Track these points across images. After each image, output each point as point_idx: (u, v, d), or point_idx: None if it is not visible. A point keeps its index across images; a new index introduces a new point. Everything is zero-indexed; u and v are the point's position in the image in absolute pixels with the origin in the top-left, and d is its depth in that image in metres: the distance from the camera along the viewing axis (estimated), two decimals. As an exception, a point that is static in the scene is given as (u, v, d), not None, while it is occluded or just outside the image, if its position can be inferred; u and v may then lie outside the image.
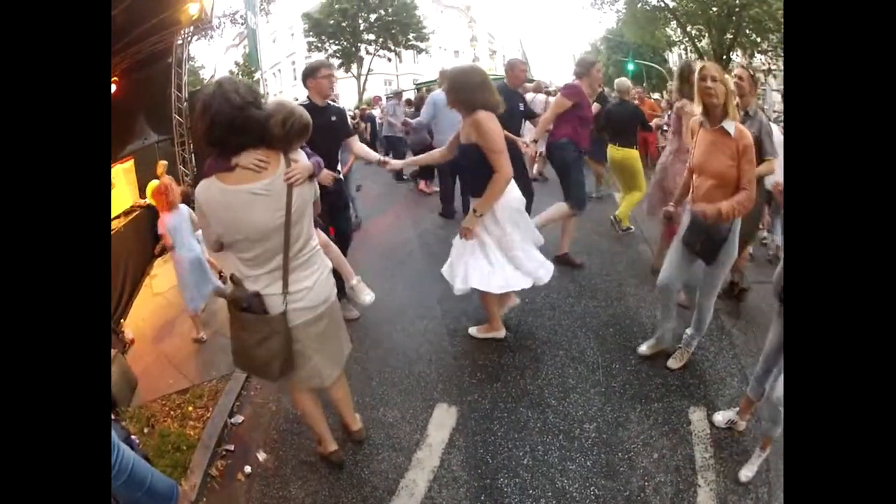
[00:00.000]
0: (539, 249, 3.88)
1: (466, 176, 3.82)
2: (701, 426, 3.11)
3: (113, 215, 7.95)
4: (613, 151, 6.29)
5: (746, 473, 2.78)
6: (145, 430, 3.65)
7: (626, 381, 3.50)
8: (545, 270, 3.74)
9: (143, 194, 8.71)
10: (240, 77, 35.41)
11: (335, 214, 4.57)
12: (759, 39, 19.90)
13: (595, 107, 6.41)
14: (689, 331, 3.67)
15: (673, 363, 3.66)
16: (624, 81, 6.98)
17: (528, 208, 5.19)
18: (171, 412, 3.93)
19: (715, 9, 20.39)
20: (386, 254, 5.14)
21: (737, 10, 19.26)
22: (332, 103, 4.34)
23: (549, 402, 3.35)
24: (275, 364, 2.40)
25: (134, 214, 8.14)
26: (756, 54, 22.10)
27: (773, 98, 19.98)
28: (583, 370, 3.64)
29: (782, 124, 5.25)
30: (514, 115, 5.30)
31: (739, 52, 23.09)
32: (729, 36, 20.91)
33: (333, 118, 4.20)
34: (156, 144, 10.08)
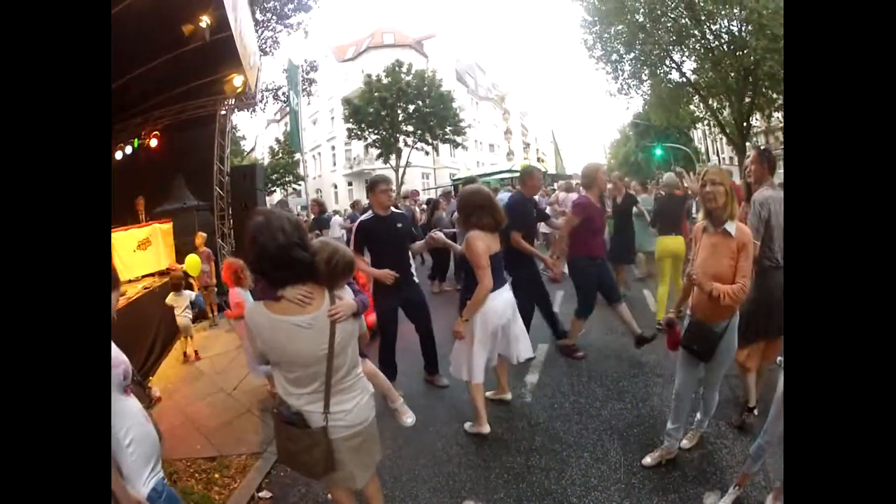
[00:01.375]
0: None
1: (465, 282, 4.29)
2: (714, 509, 3.17)
3: (148, 271, 8.19)
4: (669, 241, 6.60)
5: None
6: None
7: (645, 477, 3.55)
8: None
9: (178, 259, 8.89)
10: (280, 154, 36.18)
11: (417, 314, 5.15)
12: (775, 96, 19.97)
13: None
14: (698, 415, 3.82)
15: (686, 443, 3.78)
16: (671, 177, 7.34)
17: (530, 317, 5.60)
18: (196, 474, 4.02)
19: (733, 74, 20.38)
20: (418, 354, 5.29)
21: (752, 67, 19.31)
22: (395, 210, 4.78)
23: (571, 500, 3.40)
24: (318, 468, 2.52)
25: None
26: (773, 113, 22.28)
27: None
28: (605, 469, 3.69)
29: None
30: (529, 221, 5.74)
31: (758, 115, 23.21)
32: (747, 100, 20.88)
33: (399, 225, 4.65)
34: (195, 211, 10.27)
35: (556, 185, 9.71)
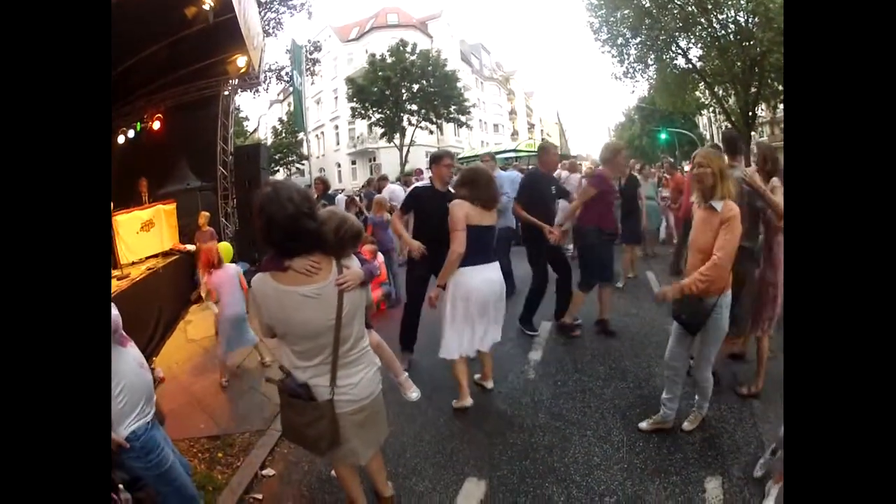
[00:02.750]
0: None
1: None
2: (715, 493, 3.15)
3: (151, 252, 8.20)
4: None
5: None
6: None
7: (647, 458, 3.55)
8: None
9: (182, 239, 8.96)
10: (283, 133, 36.15)
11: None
12: (781, 87, 19.79)
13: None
14: (696, 398, 3.82)
15: (688, 425, 3.79)
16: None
17: (542, 291, 5.81)
18: (199, 454, 4.03)
19: (739, 63, 20.28)
20: (425, 330, 5.27)
21: (758, 58, 19.20)
22: (451, 190, 4.80)
23: (573, 478, 3.41)
24: (323, 442, 2.52)
25: (173, 258, 8.32)
26: (779, 105, 22.18)
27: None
28: (608, 448, 3.70)
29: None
30: (547, 197, 5.70)
31: (764, 106, 23.22)
32: (753, 90, 20.81)
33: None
34: (198, 192, 10.30)
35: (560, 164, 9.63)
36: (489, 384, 4.69)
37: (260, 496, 3.51)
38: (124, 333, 2.48)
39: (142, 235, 8.21)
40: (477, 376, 4.73)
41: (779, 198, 3.86)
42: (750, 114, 21.49)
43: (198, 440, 4.24)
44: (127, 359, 2.40)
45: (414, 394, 3.68)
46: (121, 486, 2.60)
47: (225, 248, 8.22)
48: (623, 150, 5.74)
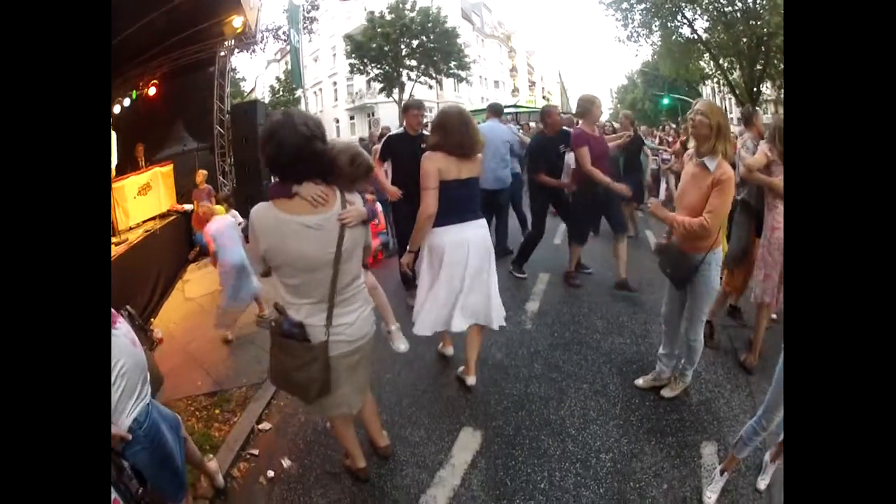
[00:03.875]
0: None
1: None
2: (710, 460, 3.14)
3: (149, 216, 8.18)
4: None
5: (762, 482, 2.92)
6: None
7: (643, 416, 3.55)
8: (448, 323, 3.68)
9: (180, 199, 8.92)
10: (280, 92, 35.82)
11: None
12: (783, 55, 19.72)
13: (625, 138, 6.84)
14: (683, 362, 3.71)
15: (667, 392, 3.75)
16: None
17: (537, 240, 5.97)
18: (197, 412, 4.02)
19: (745, 40, 20.25)
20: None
21: (765, 38, 19.09)
22: (424, 133, 4.93)
23: (569, 431, 3.42)
24: (313, 388, 2.46)
25: (170, 219, 8.30)
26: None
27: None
28: (604, 403, 3.70)
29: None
30: (552, 159, 5.74)
31: (769, 84, 23.05)
32: (759, 67, 20.75)
33: (423, 145, 4.31)
34: (195, 152, 10.28)
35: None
36: (470, 380, 3.89)
37: (256, 451, 3.51)
38: (114, 311, 2.32)
39: (139, 200, 8.17)
40: (460, 369, 4.10)
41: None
42: (755, 90, 21.29)
43: (195, 398, 4.23)
44: (118, 340, 2.20)
45: (402, 345, 3.65)
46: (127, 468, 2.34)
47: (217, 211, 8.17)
48: (596, 100, 5.55)
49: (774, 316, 4.28)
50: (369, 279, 3.16)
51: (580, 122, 5.65)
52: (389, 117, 34.16)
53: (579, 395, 3.80)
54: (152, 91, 10.58)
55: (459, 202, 3.48)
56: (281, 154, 2.17)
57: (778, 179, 3.71)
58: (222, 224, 5.23)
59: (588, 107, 5.41)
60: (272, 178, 2.47)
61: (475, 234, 3.57)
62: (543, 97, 63.78)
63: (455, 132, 3.37)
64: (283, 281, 2.40)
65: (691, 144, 3.30)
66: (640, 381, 3.87)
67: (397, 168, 5.16)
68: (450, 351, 4.33)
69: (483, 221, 3.68)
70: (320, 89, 46.50)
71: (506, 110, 15.61)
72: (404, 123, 5.27)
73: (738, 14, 20.33)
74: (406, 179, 4.72)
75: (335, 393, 2.58)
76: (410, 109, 5.17)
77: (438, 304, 3.60)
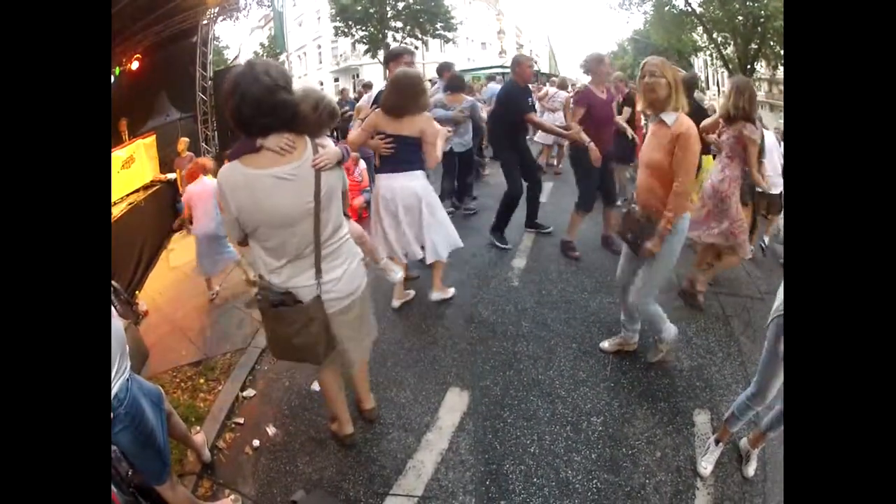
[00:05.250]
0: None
1: None
2: (704, 429, 3.11)
3: (133, 188, 8.06)
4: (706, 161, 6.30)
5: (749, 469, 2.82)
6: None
7: (634, 379, 3.50)
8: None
9: (164, 170, 8.79)
10: (264, 57, 35.53)
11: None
12: (783, 52, 19.77)
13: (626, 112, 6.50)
14: (623, 318, 3.71)
15: (651, 356, 3.67)
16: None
17: (515, 203, 5.67)
18: (182, 384, 3.96)
19: (741, 18, 20.20)
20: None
21: (762, 20, 19.03)
22: None
23: (559, 392, 3.36)
24: (318, 348, 2.39)
25: (154, 189, 8.23)
26: (780, 66, 21.92)
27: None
28: (594, 364, 3.64)
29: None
30: (524, 108, 5.47)
31: (764, 63, 22.92)
32: (754, 46, 20.67)
33: None
34: (178, 122, 10.12)
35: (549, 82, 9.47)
36: (435, 295, 4.47)
37: (241, 420, 3.45)
38: None
39: (123, 174, 8.05)
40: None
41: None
42: (749, 67, 21.13)
43: (181, 369, 4.17)
44: None
45: (397, 274, 3.63)
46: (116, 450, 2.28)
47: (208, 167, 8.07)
48: (604, 58, 5.39)
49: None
50: (353, 227, 3.08)
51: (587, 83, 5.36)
52: (374, 79, 34.06)
53: (568, 355, 3.75)
54: (135, 66, 10.31)
55: (396, 154, 3.86)
56: (244, 106, 2.03)
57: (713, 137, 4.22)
58: (202, 191, 5.10)
59: (594, 66, 5.18)
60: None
61: (409, 185, 3.96)
62: (518, 53, 63.23)
63: (386, 95, 3.81)
64: (261, 244, 2.28)
65: (643, 107, 3.17)
66: (605, 344, 3.81)
67: None
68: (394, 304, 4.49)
69: (415, 173, 3.98)
70: (304, 53, 46.03)
71: (491, 71, 15.44)
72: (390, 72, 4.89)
73: (735, -8, 20.23)
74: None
75: (341, 350, 2.53)
76: (402, 56, 4.79)
77: (387, 235, 4.04)
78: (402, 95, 3.72)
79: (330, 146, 2.29)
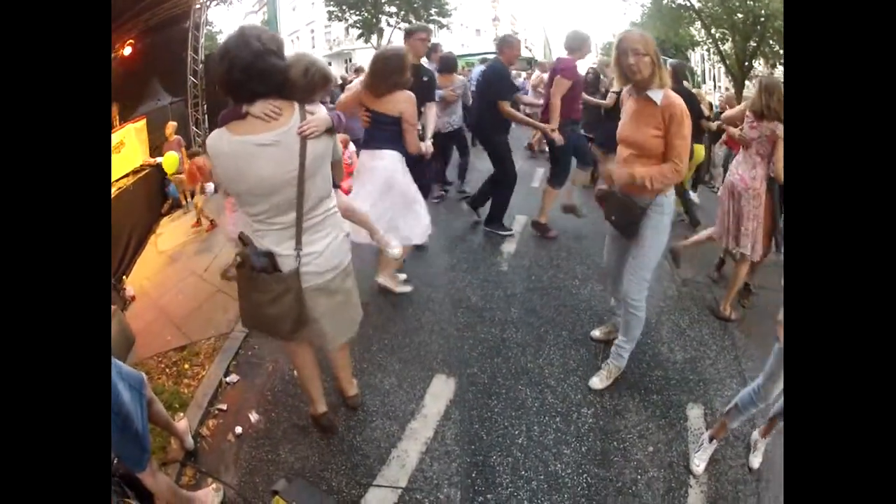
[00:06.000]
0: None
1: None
2: (697, 424, 3.04)
3: (122, 173, 8.02)
4: (699, 149, 6.13)
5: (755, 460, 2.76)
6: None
7: (626, 369, 3.39)
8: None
9: (153, 154, 8.78)
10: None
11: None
12: (782, 51, 19.78)
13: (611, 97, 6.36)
14: (619, 338, 3.32)
15: (598, 382, 3.30)
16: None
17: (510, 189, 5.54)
18: (167, 370, 3.91)
19: (740, 15, 20.23)
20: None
21: (762, 19, 19.05)
22: (424, 65, 4.67)
23: (548, 382, 3.29)
24: (287, 321, 2.32)
25: (143, 173, 8.23)
26: (778, 65, 21.94)
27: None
28: (584, 353, 3.57)
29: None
30: (510, 91, 5.44)
31: (762, 61, 22.92)
32: (752, 44, 20.70)
33: (424, 78, 4.45)
34: (169, 106, 10.08)
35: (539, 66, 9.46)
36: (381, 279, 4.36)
37: (225, 406, 3.37)
38: None
39: (113, 159, 8.00)
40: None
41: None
42: (746, 63, 21.16)
43: (165, 354, 4.11)
44: None
45: (395, 249, 3.47)
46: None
47: (169, 159, 8.07)
48: (588, 38, 5.32)
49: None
50: (342, 200, 2.92)
51: (571, 56, 5.23)
52: (367, 63, 34.21)
53: (558, 343, 3.67)
54: (128, 51, 10.24)
55: (371, 130, 3.84)
56: (234, 70, 1.98)
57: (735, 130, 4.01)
58: None
59: (580, 44, 5.13)
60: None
61: (381, 163, 3.87)
62: (525, 47, 63.34)
63: (369, 71, 3.75)
64: (246, 210, 2.24)
65: (617, 87, 3.05)
66: (596, 333, 3.70)
67: None
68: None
69: (387, 153, 3.88)
70: (298, 37, 45.76)
71: (484, 56, 15.41)
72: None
73: (735, -11, 20.25)
74: None
75: (312, 326, 2.45)
76: (417, 33, 4.67)
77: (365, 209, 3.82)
78: (379, 72, 3.66)
79: (319, 112, 2.20)
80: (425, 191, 6.33)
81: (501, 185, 5.53)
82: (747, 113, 3.80)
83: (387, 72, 3.63)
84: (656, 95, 2.75)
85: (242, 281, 2.35)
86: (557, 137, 5.02)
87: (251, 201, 2.18)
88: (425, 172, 6.67)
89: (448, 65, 6.57)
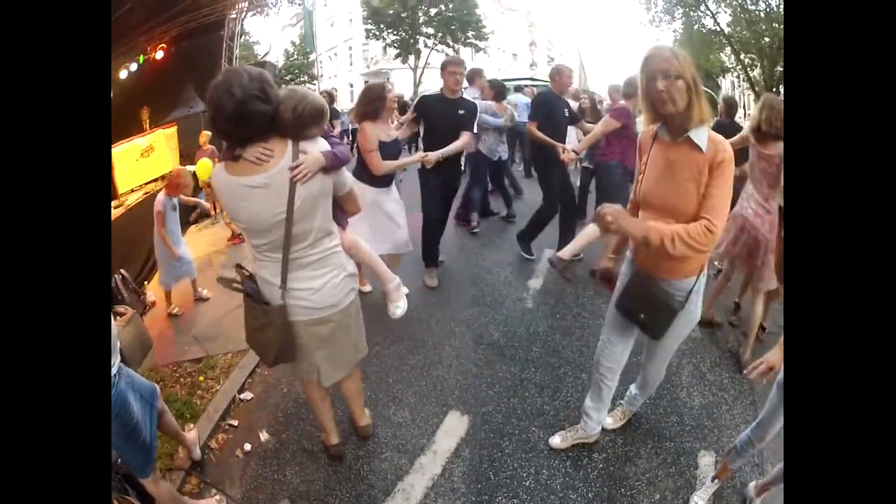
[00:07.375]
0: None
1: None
2: (707, 471, 2.96)
3: (150, 178, 8.10)
4: None
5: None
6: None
7: (642, 415, 3.36)
8: None
9: (183, 161, 8.83)
10: (295, 55, 35.88)
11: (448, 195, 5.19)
12: (783, 59, 19.80)
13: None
14: (633, 388, 3.19)
15: (611, 422, 3.21)
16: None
17: (550, 216, 5.59)
18: (181, 379, 3.94)
19: (767, 39, 20.32)
20: (420, 250, 5.10)
21: None
22: (465, 98, 4.67)
23: (562, 425, 3.23)
24: (270, 352, 2.41)
25: None
26: None
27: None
28: (603, 398, 3.51)
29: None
30: (559, 120, 5.40)
31: None
32: (779, 69, 20.69)
33: (461, 111, 4.52)
34: (202, 114, 10.10)
35: (583, 95, 9.35)
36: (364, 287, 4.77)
37: (236, 422, 3.41)
38: None
39: (141, 162, 8.17)
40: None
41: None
42: (774, 90, 21.17)
43: (181, 364, 4.15)
44: None
45: (398, 310, 3.06)
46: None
47: (203, 165, 8.08)
48: None
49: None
50: (348, 238, 2.77)
51: (626, 102, 5.12)
52: (404, 83, 34.26)
53: (577, 385, 3.62)
54: (160, 55, 10.42)
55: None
56: (217, 118, 2.03)
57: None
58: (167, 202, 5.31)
59: (636, 91, 5.05)
60: None
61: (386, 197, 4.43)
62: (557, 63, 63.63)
63: (370, 102, 4.11)
64: (249, 240, 2.33)
65: (645, 121, 2.27)
66: (556, 440, 3.08)
67: (431, 136, 4.68)
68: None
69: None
70: (335, 54, 46.66)
71: (520, 83, 15.42)
72: (443, 83, 4.70)
73: (762, 14, 20.53)
74: (440, 145, 4.50)
75: (305, 360, 2.50)
76: (449, 66, 4.61)
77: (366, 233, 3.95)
78: (364, 99, 4.14)
79: (313, 151, 2.17)
80: (465, 219, 6.38)
81: (543, 209, 5.63)
82: (750, 140, 3.65)
83: (366, 98, 4.15)
84: (700, 138, 2.06)
85: (244, 303, 2.45)
86: (569, 157, 5.03)
87: (250, 234, 2.27)
88: (468, 203, 6.73)
89: (502, 92, 6.78)
